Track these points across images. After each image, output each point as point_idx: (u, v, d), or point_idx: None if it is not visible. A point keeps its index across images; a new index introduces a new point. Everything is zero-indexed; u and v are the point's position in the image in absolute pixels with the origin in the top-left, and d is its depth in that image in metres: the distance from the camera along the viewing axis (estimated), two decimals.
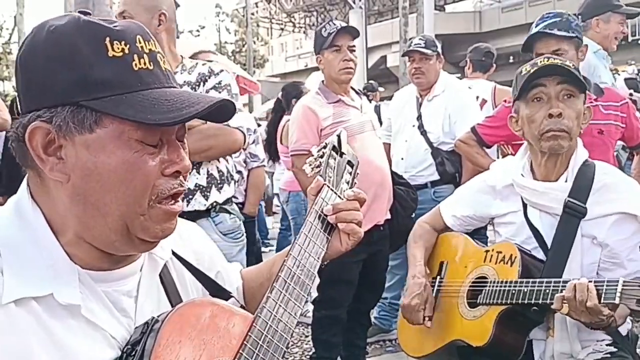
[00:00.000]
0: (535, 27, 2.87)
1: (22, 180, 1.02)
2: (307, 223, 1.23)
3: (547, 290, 1.82)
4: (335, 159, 1.36)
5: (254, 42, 30.65)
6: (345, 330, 3.37)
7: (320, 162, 1.33)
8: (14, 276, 0.90)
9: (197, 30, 34.79)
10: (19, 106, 0.96)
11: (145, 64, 0.95)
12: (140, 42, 0.96)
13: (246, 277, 1.40)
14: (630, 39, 24.04)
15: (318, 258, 1.21)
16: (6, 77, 23.78)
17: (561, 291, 1.77)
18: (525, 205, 2.06)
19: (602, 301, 1.68)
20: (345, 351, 3.45)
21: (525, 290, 1.87)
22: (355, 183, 1.40)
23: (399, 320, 2.38)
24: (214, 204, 2.44)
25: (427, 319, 2.09)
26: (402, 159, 3.97)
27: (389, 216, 3.31)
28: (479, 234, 2.38)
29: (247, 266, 3.74)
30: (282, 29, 40.60)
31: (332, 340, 3.29)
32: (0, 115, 2.62)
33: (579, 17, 3.06)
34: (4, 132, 3.41)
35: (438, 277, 2.21)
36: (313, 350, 3.50)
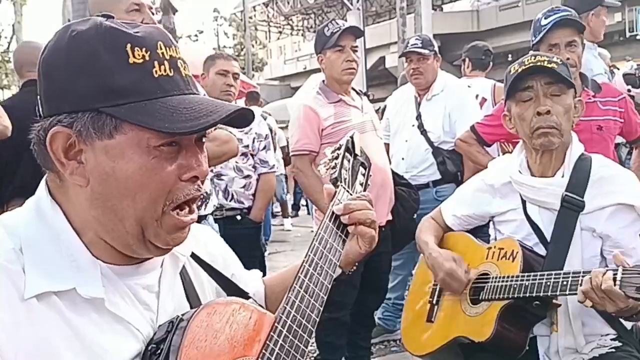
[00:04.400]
0: (546, 18, 2.88)
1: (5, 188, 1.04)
2: (323, 224, 1.24)
3: (548, 283, 1.82)
4: (349, 161, 1.38)
5: (253, 46, 30.64)
6: (349, 332, 3.36)
7: (335, 163, 1.35)
8: (35, 272, 0.92)
9: (196, 35, 34.77)
10: (40, 109, 0.98)
11: (165, 70, 0.96)
12: (161, 49, 0.96)
13: (269, 283, 1.41)
14: (627, 34, 24.02)
15: (336, 258, 1.22)
16: (5, 85, 23.79)
17: (562, 283, 1.79)
18: (524, 202, 2.07)
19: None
20: (350, 352, 3.45)
21: (526, 284, 1.87)
22: (368, 185, 1.42)
23: (403, 320, 2.39)
24: None
25: (467, 273, 2.05)
26: (403, 159, 3.97)
27: (390, 217, 3.30)
28: (481, 232, 2.38)
29: None
30: (280, 32, 40.66)
31: (336, 342, 3.29)
32: (1, 122, 2.62)
33: None
34: None
35: None
36: (317, 352, 3.50)
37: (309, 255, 1.19)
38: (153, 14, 2.44)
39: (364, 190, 1.39)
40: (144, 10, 2.41)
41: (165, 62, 0.96)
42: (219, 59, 3.70)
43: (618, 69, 6.14)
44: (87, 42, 0.94)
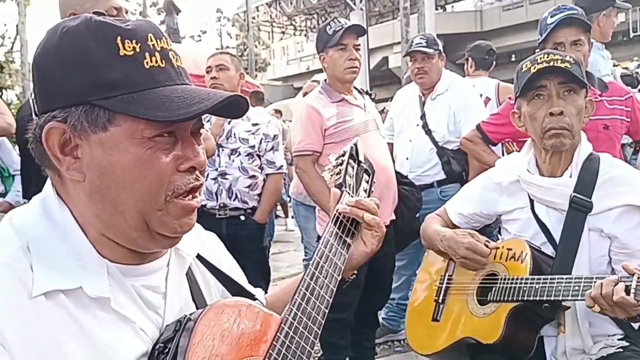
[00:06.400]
0: (552, 17, 2.88)
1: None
2: (328, 229, 1.25)
3: (559, 287, 1.82)
4: (353, 167, 1.39)
5: (256, 46, 30.65)
6: (353, 332, 3.35)
7: (339, 169, 1.36)
8: (43, 270, 0.92)
9: (199, 36, 34.78)
10: (36, 107, 0.98)
11: (156, 61, 0.96)
12: (151, 40, 0.96)
13: (270, 300, 1.40)
14: (632, 35, 23.97)
15: (341, 262, 1.23)
16: (9, 85, 23.85)
17: (573, 288, 1.78)
18: (532, 201, 2.06)
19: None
20: (354, 352, 3.44)
21: (537, 287, 1.86)
22: (372, 191, 1.43)
23: (407, 320, 2.37)
24: None
25: (487, 244, 1.99)
26: (407, 158, 3.95)
27: (393, 217, 3.29)
28: (486, 231, 2.37)
29: (252, 276, 3.70)
30: (283, 33, 40.66)
31: (340, 343, 3.28)
32: (5, 119, 2.62)
33: None
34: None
35: (447, 274, 2.20)
36: (321, 352, 3.49)
37: (315, 259, 1.19)
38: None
39: (368, 196, 1.40)
40: (122, 15, 2.40)
41: (157, 54, 0.97)
42: (209, 59, 3.73)
43: (627, 68, 6.12)
44: (78, 37, 0.94)
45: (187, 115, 0.93)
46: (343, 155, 1.39)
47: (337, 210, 1.27)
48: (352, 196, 1.33)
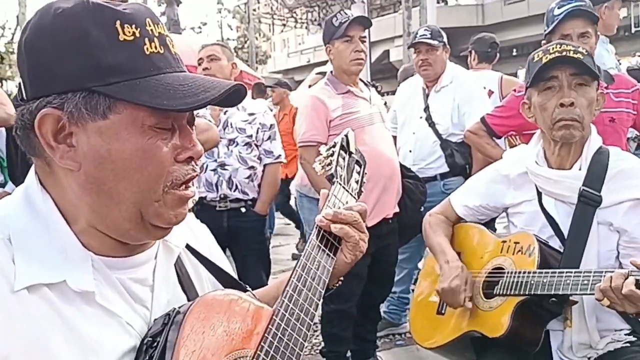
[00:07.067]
0: (559, 8, 2.85)
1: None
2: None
3: (567, 282, 1.80)
4: (344, 158, 1.38)
5: (256, 39, 30.60)
6: (355, 325, 3.35)
7: (330, 160, 1.35)
8: (26, 263, 0.89)
9: (199, 27, 34.69)
10: (24, 92, 0.93)
11: (156, 47, 0.92)
12: (150, 25, 0.92)
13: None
14: (633, 30, 23.91)
15: (333, 254, 1.21)
16: (9, 76, 23.81)
17: (582, 282, 1.76)
18: (539, 194, 2.03)
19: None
20: (355, 345, 3.44)
21: (544, 281, 1.84)
22: (364, 182, 1.41)
23: (411, 312, 2.36)
24: None
25: (467, 299, 2.00)
26: (410, 151, 3.93)
27: (397, 210, 3.27)
28: (488, 225, 2.35)
29: (253, 268, 3.66)
30: (284, 25, 40.51)
31: (341, 334, 3.27)
32: (5, 110, 2.58)
33: None
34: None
35: None
36: (322, 344, 3.48)
37: (307, 250, 1.17)
38: None
39: (360, 187, 1.38)
40: None
41: (155, 39, 0.93)
42: (200, 51, 3.71)
43: (620, 63, 6.10)
44: (75, 19, 0.89)
45: (195, 104, 0.90)
46: (334, 146, 1.37)
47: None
48: (343, 187, 1.32)
